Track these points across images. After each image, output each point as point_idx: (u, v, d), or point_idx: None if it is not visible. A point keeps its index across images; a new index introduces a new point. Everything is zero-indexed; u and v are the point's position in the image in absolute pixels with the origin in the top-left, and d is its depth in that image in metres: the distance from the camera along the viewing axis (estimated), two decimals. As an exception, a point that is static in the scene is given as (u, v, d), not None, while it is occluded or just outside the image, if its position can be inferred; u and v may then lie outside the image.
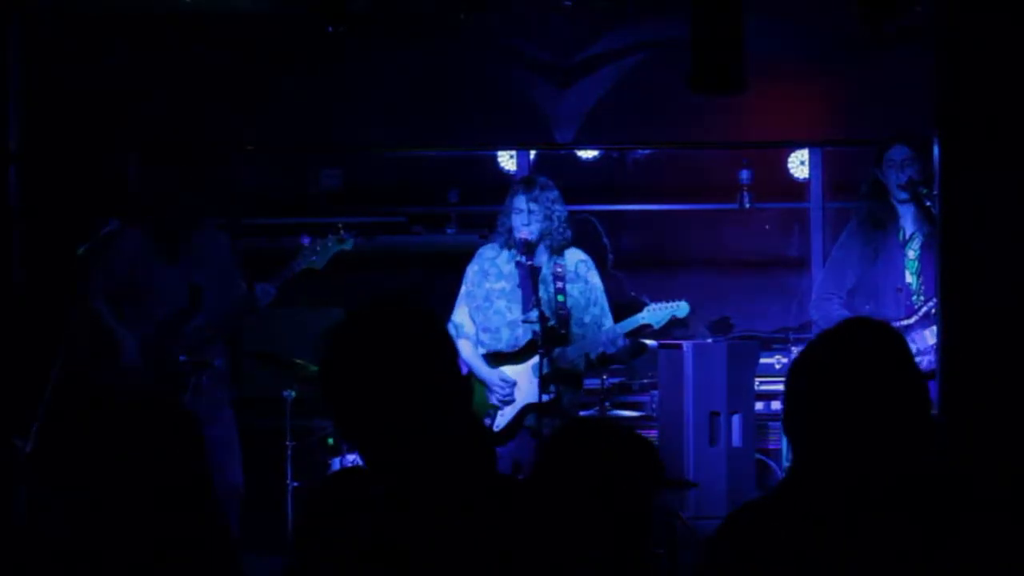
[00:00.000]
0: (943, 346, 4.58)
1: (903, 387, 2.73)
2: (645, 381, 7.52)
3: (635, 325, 5.92)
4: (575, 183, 7.27)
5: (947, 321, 4.54)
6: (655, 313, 5.91)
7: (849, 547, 2.62)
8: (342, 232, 6.01)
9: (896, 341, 2.76)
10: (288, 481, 6.39)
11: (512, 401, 5.89)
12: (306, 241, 5.98)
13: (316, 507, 2.41)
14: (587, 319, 5.96)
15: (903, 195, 5.79)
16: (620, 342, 5.94)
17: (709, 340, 7.11)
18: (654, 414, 7.18)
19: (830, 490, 2.66)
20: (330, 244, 5.95)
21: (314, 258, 5.93)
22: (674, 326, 6.10)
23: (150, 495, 2.37)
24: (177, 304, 5.90)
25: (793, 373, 2.80)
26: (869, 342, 2.75)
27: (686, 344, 6.53)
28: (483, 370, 5.92)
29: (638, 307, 5.97)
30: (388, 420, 2.34)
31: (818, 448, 2.70)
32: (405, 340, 2.37)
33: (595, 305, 5.99)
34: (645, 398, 7.44)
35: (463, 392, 2.45)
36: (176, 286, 5.93)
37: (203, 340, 5.90)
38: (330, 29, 6.68)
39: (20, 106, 6.48)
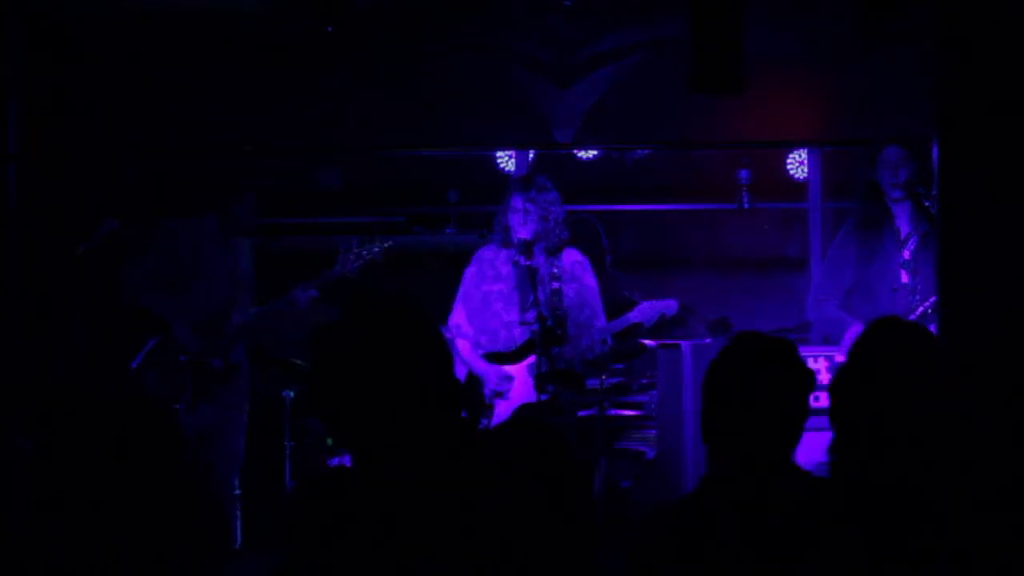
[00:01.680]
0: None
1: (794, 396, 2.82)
2: (644, 381, 7.51)
3: (625, 324, 5.94)
4: (574, 183, 7.26)
5: (946, 321, 4.54)
6: (644, 311, 5.94)
7: (771, 546, 2.66)
8: (378, 239, 6.08)
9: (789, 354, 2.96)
10: (287, 481, 6.40)
11: (510, 396, 5.89)
12: (346, 245, 6.02)
13: (306, 509, 2.41)
14: (581, 319, 5.96)
15: (897, 194, 5.79)
16: (597, 348, 5.94)
17: (708, 340, 7.10)
18: (653, 414, 7.18)
19: (743, 491, 2.72)
20: (364, 253, 6.03)
21: (350, 266, 6.00)
22: (673, 326, 6.11)
23: (124, 494, 2.36)
24: (224, 293, 5.98)
25: (711, 377, 2.92)
26: (757, 356, 2.93)
27: (685, 344, 6.52)
28: (479, 367, 5.93)
29: (630, 306, 5.99)
30: (377, 420, 2.34)
31: (728, 448, 2.78)
32: (395, 340, 2.37)
33: (588, 307, 5.99)
34: (644, 398, 7.44)
35: (454, 392, 2.44)
36: (224, 277, 6.00)
37: (238, 335, 5.99)
38: (330, 29, 6.68)
39: (20, 106, 6.47)
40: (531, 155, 8.05)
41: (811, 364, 5.83)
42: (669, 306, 5.97)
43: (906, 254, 5.83)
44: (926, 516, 2.74)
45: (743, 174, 7.89)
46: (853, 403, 2.99)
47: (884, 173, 5.81)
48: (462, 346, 5.99)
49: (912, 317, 5.70)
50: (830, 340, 5.92)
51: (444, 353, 2.42)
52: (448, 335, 6.03)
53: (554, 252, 5.94)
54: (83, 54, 7.21)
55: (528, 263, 5.82)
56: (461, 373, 5.94)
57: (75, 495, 2.34)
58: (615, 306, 6.19)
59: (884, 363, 2.97)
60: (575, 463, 2.72)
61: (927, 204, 5.63)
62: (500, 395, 5.90)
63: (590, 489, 2.86)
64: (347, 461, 6.25)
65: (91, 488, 2.34)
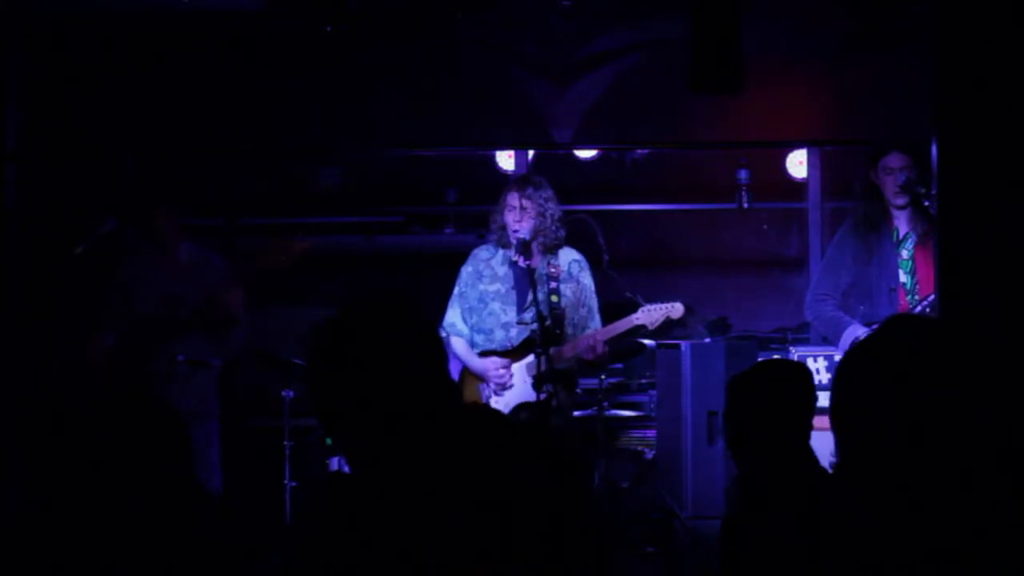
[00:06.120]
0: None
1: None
2: (643, 381, 7.52)
3: (628, 326, 5.89)
4: (573, 183, 7.27)
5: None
6: (650, 314, 5.88)
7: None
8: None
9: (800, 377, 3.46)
10: (286, 481, 6.40)
11: (510, 386, 5.88)
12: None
13: (314, 515, 2.41)
14: (576, 319, 5.95)
15: (900, 202, 5.77)
16: (599, 349, 5.88)
17: (707, 340, 7.11)
18: (652, 414, 7.19)
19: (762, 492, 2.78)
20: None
21: None
22: (672, 326, 6.08)
23: (132, 494, 2.36)
24: (158, 305, 5.96)
25: (736, 401, 3.32)
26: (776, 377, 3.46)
27: (684, 344, 6.53)
28: (475, 362, 5.90)
29: (632, 307, 5.94)
30: (371, 420, 2.34)
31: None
32: (390, 338, 2.37)
33: (583, 307, 5.97)
34: (643, 398, 7.44)
35: (449, 390, 2.44)
36: (161, 289, 5.98)
37: (188, 335, 5.98)
38: (330, 29, 6.68)
39: (20, 106, 6.48)
40: (531, 155, 8.05)
41: (810, 364, 5.83)
42: (674, 308, 5.90)
43: (904, 254, 5.82)
44: (931, 516, 2.74)
45: (742, 174, 7.89)
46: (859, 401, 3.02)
47: (887, 180, 5.79)
48: (457, 344, 5.99)
49: (907, 317, 5.69)
50: (828, 340, 5.93)
51: (438, 351, 2.42)
52: (443, 334, 6.01)
53: (551, 250, 5.93)
54: (83, 54, 7.21)
55: (527, 263, 5.81)
56: (455, 371, 5.93)
57: (76, 496, 2.34)
58: (616, 307, 6.17)
59: (894, 359, 2.98)
60: (572, 466, 2.71)
61: (926, 204, 5.63)
62: (504, 387, 5.87)
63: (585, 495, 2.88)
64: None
65: (93, 489, 2.34)
